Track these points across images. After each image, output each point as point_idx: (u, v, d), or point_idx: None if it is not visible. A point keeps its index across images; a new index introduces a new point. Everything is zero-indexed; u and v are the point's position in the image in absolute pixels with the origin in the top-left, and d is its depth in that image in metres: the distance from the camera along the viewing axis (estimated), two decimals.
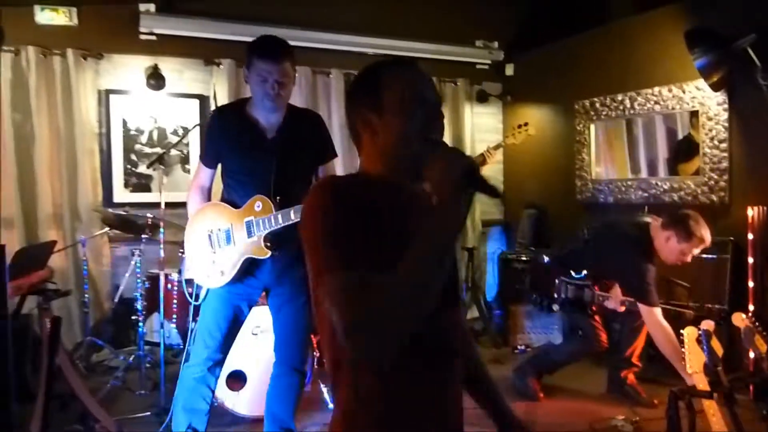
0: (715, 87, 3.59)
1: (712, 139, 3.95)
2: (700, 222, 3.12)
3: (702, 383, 2.41)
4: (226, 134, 2.58)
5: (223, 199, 2.64)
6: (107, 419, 3.07)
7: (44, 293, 3.15)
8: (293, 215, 2.41)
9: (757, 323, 2.58)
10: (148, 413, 3.27)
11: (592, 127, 4.88)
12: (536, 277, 3.67)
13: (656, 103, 4.32)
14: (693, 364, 2.43)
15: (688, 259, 3.15)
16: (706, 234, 3.11)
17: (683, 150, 4.22)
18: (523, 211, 5.47)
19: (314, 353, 3.52)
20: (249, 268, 2.56)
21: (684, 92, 4.11)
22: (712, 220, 3.84)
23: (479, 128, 5.82)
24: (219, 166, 2.66)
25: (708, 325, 2.49)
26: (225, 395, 3.16)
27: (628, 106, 4.54)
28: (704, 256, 3.63)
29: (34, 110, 4.19)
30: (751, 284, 3.40)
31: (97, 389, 3.46)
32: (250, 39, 4.37)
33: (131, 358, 3.79)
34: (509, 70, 5.85)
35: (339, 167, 3.14)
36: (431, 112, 1.27)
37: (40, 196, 4.20)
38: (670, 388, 2.30)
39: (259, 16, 4.68)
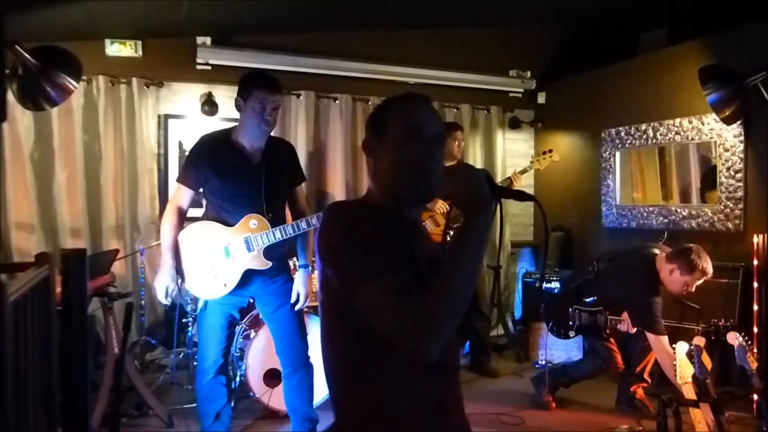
0: (727, 121, 3.79)
1: (728, 169, 4.14)
2: (702, 255, 3.31)
3: (690, 393, 2.63)
4: (216, 160, 2.86)
5: (210, 218, 2.92)
6: (159, 408, 3.48)
7: (108, 295, 3.55)
8: (290, 230, 2.82)
9: (749, 342, 2.79)
10: (194, 405, 3.64)
11: (617, 154, 5.10)
12: (551, 306, 3.91)
13: (677, 133, 4.53)
14: (683, 375, 2.66)
15: (692, 289, 3.35)
16: (708, 267, 3.30)
17: (708, 179, 4.40)
18: (551, 234, 5.70)
19: None
20: (240, 280, 2.87)
21: (703, 124, 4.30)
22: (727, 246, 4.04)
23: (511, 153, 6.09)
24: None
25: (699, 341, 2.72)
26: (261, 391, 3.49)
27: (651, 135, 4.75)
28: (718, 280, 3.83)
29: (102, 132, 4.66)
30: (755, 307, 3.57)
31: (150, 383, 3.84)
32: (294, 68, 4.83)
33: (181, 356, 4.19)
34: (541, 98, 6.11)
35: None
36: (427, 144, 1.38)
37: (105, 209, 4.65)
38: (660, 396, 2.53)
39: (304, 48, 5.09)
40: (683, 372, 2.66)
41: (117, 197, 4.71)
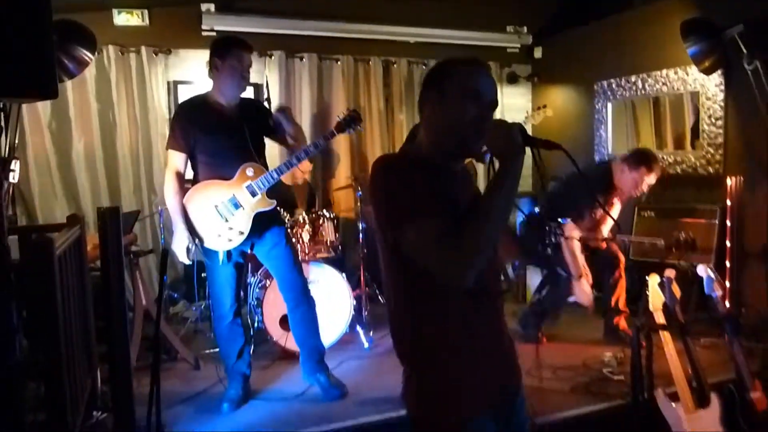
0: (706, 72, 4.00)
1: (710, 117, 4.37)
2: (651, 155, 3.65)
3: (661, 320, 2.93)
4: (200, 120, 3.08)
5: (205, 178, 3.11)
6: (186, 352, 3.82)
7: (132, 253, 3.85)
8: (284, 168, 3.10)
9: (716, 273, 3.08)
10: (217, 350, 3.98)
11: (609, 105, 5.31)
12: (530, 225, 4.12)
13: (664, 84, 4.73)
14: (654, 304, 2.95)
15: (643, 188, 3.65)
16: (655, 165, 3.64)
17: (696, 127, 4.62)
18: (549, 184, 5.94)
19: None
20: None
21: (687, 75, 4.50)
22: (708, 190, 4.29)
23: (510, 108, 6.26)
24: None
25: (670, 272, 3.00)
26: (278, 334, 3.83)
27: (640, 86, 4.96)
28: (699, 221, 4.10)
29: (115, 101, 4.91)
30: (728, 244, 3.84)
31: (175, 332, 4.18)
32: (296, 32, 5.01)
33: (203, 308, 4.52)
34: (538, 53, 6.27)
35: None
36: (483, 108, 1.50)
37: (122, 174, 4.94)
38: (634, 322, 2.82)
39: (305, 11, 5.28)
40: (654, 301, 2.95)
41: (133, 162, 4.99)
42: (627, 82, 5.09)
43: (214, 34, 5.07)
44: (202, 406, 3.26)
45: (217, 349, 3.93)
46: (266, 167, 3.20)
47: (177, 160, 3.12)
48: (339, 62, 5.56)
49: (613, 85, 5.24)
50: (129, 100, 4.98)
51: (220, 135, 3.10)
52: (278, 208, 3.39)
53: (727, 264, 3.82)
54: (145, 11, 5.00)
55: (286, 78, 5.32)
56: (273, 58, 5.31)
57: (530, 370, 3.54)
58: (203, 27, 5.02)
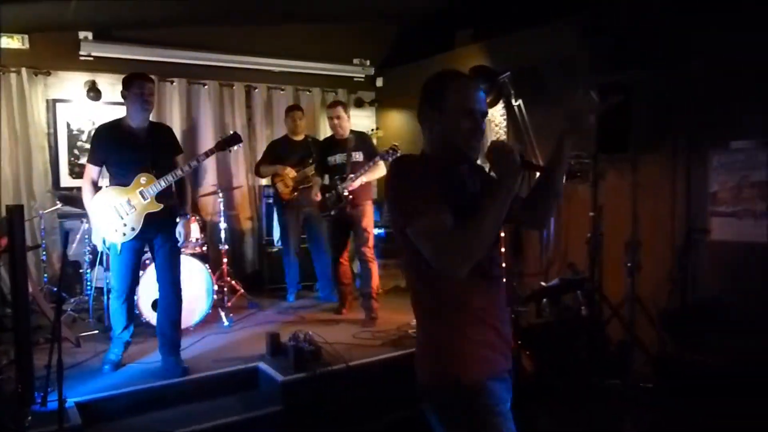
0: (489, 105, 5.29)
1: (498, 138, 5.68)
2: None
3: None
4: (112, 140, 3.81)
5: (111, 184, 3.84)
6: (69, 333, 4.49)
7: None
8: (170, 178, 3.86)
9: None
10: (97, 332, 4.71)
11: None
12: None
13: None
14: None
15: None
16: None
17: None
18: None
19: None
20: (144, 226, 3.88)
21: None
22: None
23: (357, 127, 7.28)
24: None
25: None
26: (149, 315, 4.60)
27: None
28: None
29: None
30: (502, 233, 5.12)
31: None
32: (168, 59, 5.81)
33: (80, 299, 5.19)
34: (379, 82, 7.44)
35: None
36: (477, 119, 1.73)
37: (3, 182, 5.48)
38: None
39: (175, 42, 6.07)
40: None
41: (13, 171, 5.54)
42: None
43: (91, 58, 5.75)
44: (85, 373, 3.92)
45: (94, 332, 4.70)
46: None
47: (92, 171, 3.87)
48: (206, 86, 6.41)
49: None
50: (10, 115, 5.53)
51: (127, 154, 3.82)
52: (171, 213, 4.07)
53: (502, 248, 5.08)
54: (26, 36, 5.57)
55: (159, 99, 6.07)
56: None
57: (356, 334, 4.61)
58: (81, 52, 5.69)
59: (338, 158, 5.18)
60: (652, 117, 4.41)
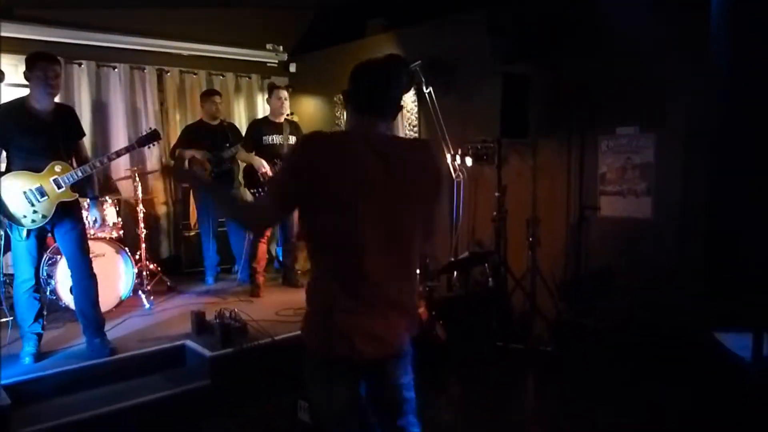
0: None
1: (410, 124, 5.99)
2: None
3: None
4: (17, 121, 3.65)
5: (17, 168, 3.69)
6: None
7: None
8: (88, 169, 3.87)
9: None
10: (11, 318, 4.62)
11: (344, 114, 6.75)
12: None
13: None
14: None
15: None
16: None
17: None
18: None
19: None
20: None
21: None
22: None
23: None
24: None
25: None
26: (68, 299, 4.58)
27: None
28: None
29: None
30: None
31: None
32: (75, 41, 5.69)
33: None
34: (292, 68, 7.55)
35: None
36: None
37: None
38: None
39: (82, 23, 5.93)
40: None
41: None
42: None
43: None
44: (5, 358, 3.85)
45: (9, 318, 4.60)
46: (72, 166, 3.92)
47: None
48: (116, 69, 6.30)
49: None
50: None
51: (33, 136, 3.72)
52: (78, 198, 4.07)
53: None
54: None
55: (66, 81, 5.91)
56: None
57: (279, 312, 4.80)
58: None
59: (276, 138, 5.47)
60: (549, 105, 4.85)
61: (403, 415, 2.07)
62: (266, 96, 7.33)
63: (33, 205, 3.77)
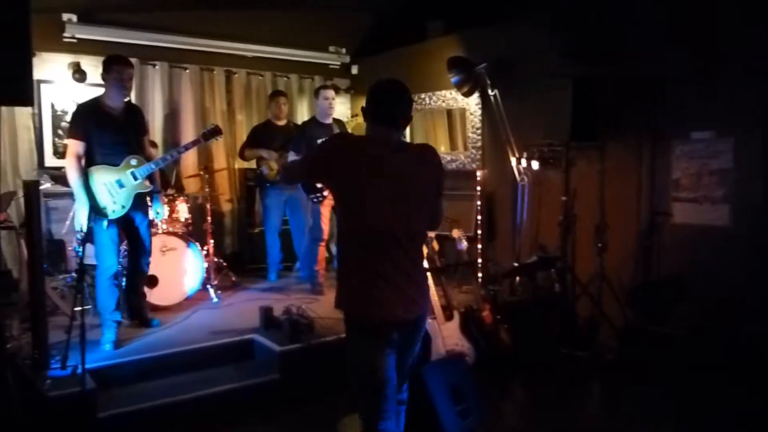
0: (465, 95, 5.60)
1: (473, 127, 5.99)
2: None
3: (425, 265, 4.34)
4: (95, 118, 3.97)
5: (97, 163, 3.99)
6: (65, 306, 4.60)
7: (10, 228, 4.57)
8: (161, 162, 4.22)
9: (464, 234, 4.58)
10: (87, 307, 4.81)
11: None
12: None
13: (443, 101, 6.31)
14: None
15: None
16: None
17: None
18: None
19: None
20: None
21: (458, 95, 6.06)
22: (474, 180, 5.81)
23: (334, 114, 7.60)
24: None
25: (431, 233, 4.43)
26: (145, 291, 4.76)
27: (427, 102, 6.50)
28: (464, 203, 5.66)
29: None
30: (479, 217, 5.43)
31: None
32: (150, 43, 5.92)
33: (69, 277, 5.28)
34: (354, 70, 7.64)
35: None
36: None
37: None
38: None
39: (157, 25, 6.14)
40: None
41: (3, 151, 5.55)
42: (419, 98, 6.59)
43: (75, 40, 5.79)
44: (92, 346, 3.96)
45: (90, 306, 4.80)
46: (146, 159, 4.21)
47: (76, 147, 3.97)
48: (187, 70, 6.51)
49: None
50: None
51: (109, 130, 4.03)
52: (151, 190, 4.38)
53: (479, 231, 5.39)
54: None
55: (141, 82, 6.15)
56: None
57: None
58: (65, 34, 5.72)
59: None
60: (616, 106, 4.76)
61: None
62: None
63: (113, 196, 4.04)
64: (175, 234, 5.12)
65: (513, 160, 5.34)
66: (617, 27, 4.66)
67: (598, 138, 4.74)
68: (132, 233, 4.29)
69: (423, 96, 6.55)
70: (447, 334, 4.29)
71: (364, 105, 2.44)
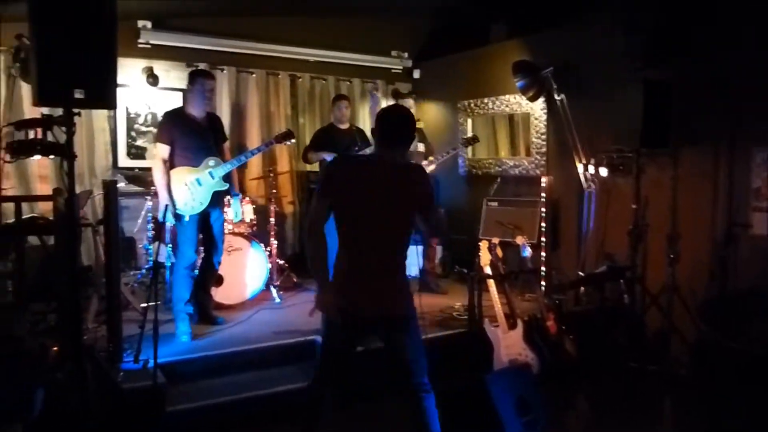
0: (531, 99, 5.51)
1: (537, 132, 5.88)
2: None
3: (488, 272, 4.30)
4: (179, 124, 4.34)
5: (180, 165, 4.30)
6: (135, 303, 4.76)
7: (87, 225, 4.74)
8: (236, 162, 4.50)
9: (529, 241, 4.50)
10: (158, 303, 4.95)
11: (469, 120, 6.76)
12: None
13: (506, 106, 6.23)
14: (484, 261, 4.31)
15: None
16: None
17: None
18: None
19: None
20: None
21: (522, 99, 5.96)
22: (537, 186, 5.73)
23: None
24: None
25: (495, 239, 4.38)
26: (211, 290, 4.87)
27: (490, 107, 6.43)
28: (528, 209, 5.57)
29: None
30: (543, 224, 5.33)
31: None
32: (219, 48, 6.10)
33: (140, 273, 5.46)
34: (416, 74, 7.63)
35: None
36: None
37: None
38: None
39: (226, 31, 6.31)
40: (484, 259, 4.32)
41: (77, 150, 5.76)
42: (482, 102, 6.53)
43: (149, 46, 5.99)
44: (161, 340, 4.16)
45: (160, 302, 4.95)
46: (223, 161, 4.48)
47: (163, 150, 4.31)
48: (254, 75, 6.64)
49: (472, 104, 6.68)
50: None
51: (192, 137, 4.37)
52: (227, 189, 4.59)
53: (543, 239, 5.29)
54: None
55: None
56: (199, 67, 6.28)
57: None
58: (140, 40, 5.93)
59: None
60: (690, 111, 4.56)
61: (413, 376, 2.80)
62: (392, 101, 7.59)
63: (192, 193, 4.30)
64: (240, 234, 5.23)
65: (579, 167, 5.22)
66: (694, 28, 4.49)
67: (670, 144, 4.57)
68: (207, 230, 4.51)
69: (486, 101, 6.49)
70: (510, 343, 4.24)
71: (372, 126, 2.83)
